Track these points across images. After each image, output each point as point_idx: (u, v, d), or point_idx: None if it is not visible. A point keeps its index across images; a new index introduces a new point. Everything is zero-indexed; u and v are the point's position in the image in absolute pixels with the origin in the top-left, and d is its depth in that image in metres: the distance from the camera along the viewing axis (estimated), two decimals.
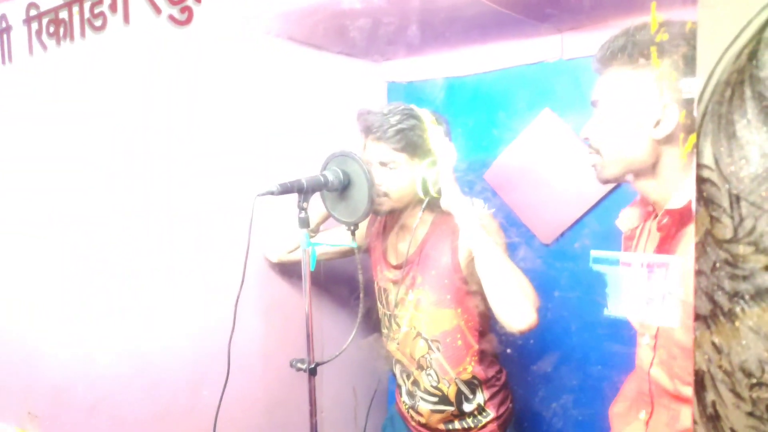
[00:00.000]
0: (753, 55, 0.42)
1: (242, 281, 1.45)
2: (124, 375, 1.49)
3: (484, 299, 1.43)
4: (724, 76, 0.43)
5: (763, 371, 0.43)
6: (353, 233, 1.59)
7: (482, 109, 2.02)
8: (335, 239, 1.76)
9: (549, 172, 1.88)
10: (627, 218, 1.19)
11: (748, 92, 0.42)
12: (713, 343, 0.45)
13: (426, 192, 1.49)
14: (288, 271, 1.79)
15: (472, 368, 1.55)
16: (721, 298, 0.45)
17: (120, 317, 1.47)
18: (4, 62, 1.21)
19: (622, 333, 1.27)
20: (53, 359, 1.39)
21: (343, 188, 1.53)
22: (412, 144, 1.48)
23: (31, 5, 1.12)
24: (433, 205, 1.52)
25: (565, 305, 1.79)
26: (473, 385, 1.56)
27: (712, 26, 0.43)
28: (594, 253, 1.16)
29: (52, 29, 1.07)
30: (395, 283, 1.62)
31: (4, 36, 1.20)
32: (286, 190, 1.44)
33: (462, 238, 1.44)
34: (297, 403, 1.51)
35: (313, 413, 1.49)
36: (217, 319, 1.55)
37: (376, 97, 2.19)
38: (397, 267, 1.63)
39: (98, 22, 0.99)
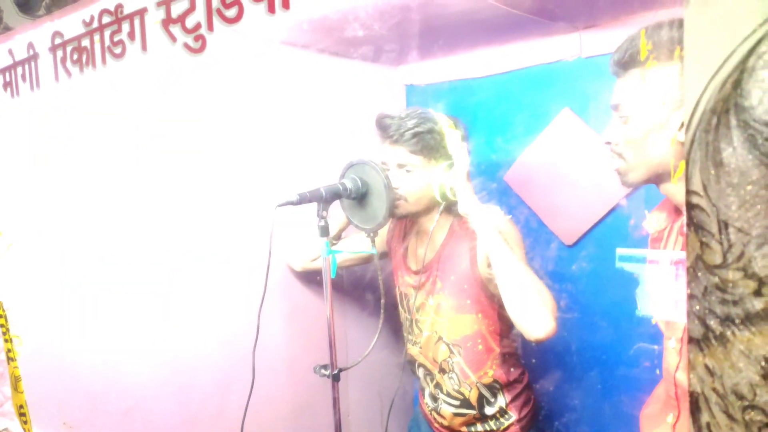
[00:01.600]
0: (737, 84, 0.42)
1: (265, 289, 1.48)
2: (154, 382, 1.54)
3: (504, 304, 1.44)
4: (710, 105, 0.43)
5: (755, 394, 0.44)
6: (373, 240, 1.61)
7: (501, 110, 2.01)
8: (355, 246, 1.78)
9: (569, 173, 1.86)
10: (655, 220, 1.17)
11: (733, 120, 0.43)
12: (706, 366, 0.46)
13: (443, 196, 1.49)
14: (310, 278, 1.82)
15: (493, 372, 1.56)
16: (713, 322, 0.46)
17: (149, 327, 1.53)
18: (33, 89, 1.26)
19: (649, 334, 1.26)
20: (87, 369, 1.45)
21: (362, 196, 1.55)
22: (428, 147, 1.49)
23: (56, 34, 1.17)
24: (451, 209, 1.53)
25: (589, 306, 1.78)
26: (494, 388, 1.56)
27: (697, 55, 0.44)
28: (620, 251, 1.15)
29: (75, 56, 1.12)
30: (416, 288, 1.64)
31: (32, 63, 1.26)
32: (305, 199, 1.47)
33: (480, 243, 1.44)
34: (322, 407, 1.54)
35: (337, 419, 1.52)
36: (242, 326, 1.59)
37: (395, 100, 2.21)
38: (417, 272, 1.64)
39: (118, 50, 1.03)
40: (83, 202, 1.45)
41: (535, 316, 1.30)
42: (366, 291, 1.94)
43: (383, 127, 1.54)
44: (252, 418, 1.50)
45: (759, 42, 0.42)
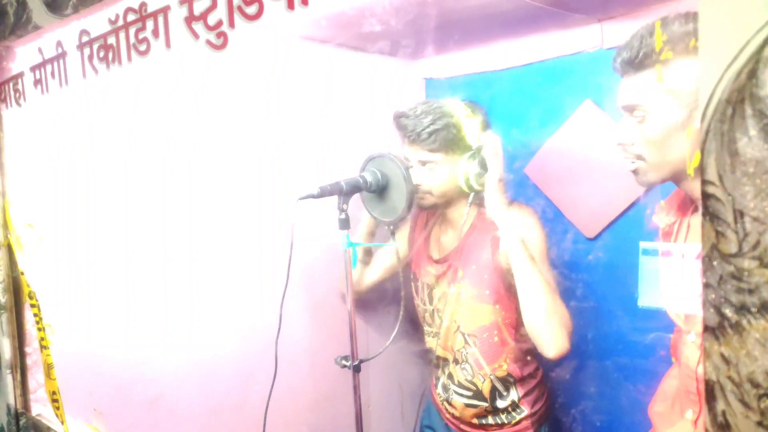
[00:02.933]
0: (752, 74, 0.42)
1: (287, 282, 1.51)
2: (179, 372, 1.58)
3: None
4: (725, 95, 0.44)
5: None
6: (393, 233, 1.62)
7: (522, 102, 2.00)
8: (376, 239, 1.80)
9: (591, 165, 1.85)
10: (664, 214, 1.17)
11: (748, 110, 0.43)
12: (722, 354, 0.46)
13: (469, 186, 1.49)
14: (331, 270, 1.84)
15: (507, 366, 1.56)
16: (728, 311, 0.46)
17: (175, 318, 1.56)
18: (61, 85, 1.30)
19: (667, 327, 1.25)
20: (115, 358, 1.49)
21: (382, 189, 1.56)
22: (447, 142, 1.49)
23: (83, 32, 1.21)
24: (477, 199, 1.54)
25: (609, 299, 1.77)
26: (508, 382, 1.57)
27: (712, 45, 0.44)
28: (643, 244, 1.14)
29: (102, 54, 1.15)
30: (438, 277, 1.65)
31: (61, 61, 1.29)
32: (325, 192, 1.49)
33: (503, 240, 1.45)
34: (344, 397, 1.57)
35: (358, 409, 1.54)
36: (264, 318, 1.62)
37: (414, 94, 2.21)
38: (440, 261, 1.65)
39: (143, 47, 1.06)
40: (112, 196, 1.49)
41: (551, 336, 1.31)
42: (387, 282, 1.95)
43: (400, 127, 1.55)
44: (274, 408, 1.53)
45: None
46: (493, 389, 1.57)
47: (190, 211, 1.57)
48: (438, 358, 1.70)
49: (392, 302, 1.82)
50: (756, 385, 0.44)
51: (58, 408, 1.58)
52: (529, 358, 1.60)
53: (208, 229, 1.61)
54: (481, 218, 1.56)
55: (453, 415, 1.65)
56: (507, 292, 1.52)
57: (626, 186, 1.75)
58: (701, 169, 0.45)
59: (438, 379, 1.71)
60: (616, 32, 1.73)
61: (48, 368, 1.60)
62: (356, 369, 1.53)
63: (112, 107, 1.42)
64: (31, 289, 1.61)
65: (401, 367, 2.09)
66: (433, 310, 1.67)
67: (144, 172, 1.49)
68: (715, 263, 0.45)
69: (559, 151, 1.90)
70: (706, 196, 0.46)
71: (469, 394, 1.59)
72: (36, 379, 1.72)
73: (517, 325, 1.56)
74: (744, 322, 0.45)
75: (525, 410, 1.57)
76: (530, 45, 1.91)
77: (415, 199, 1.54)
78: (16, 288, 1.70)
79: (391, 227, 1.61)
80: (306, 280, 1.82)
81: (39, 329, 1.61)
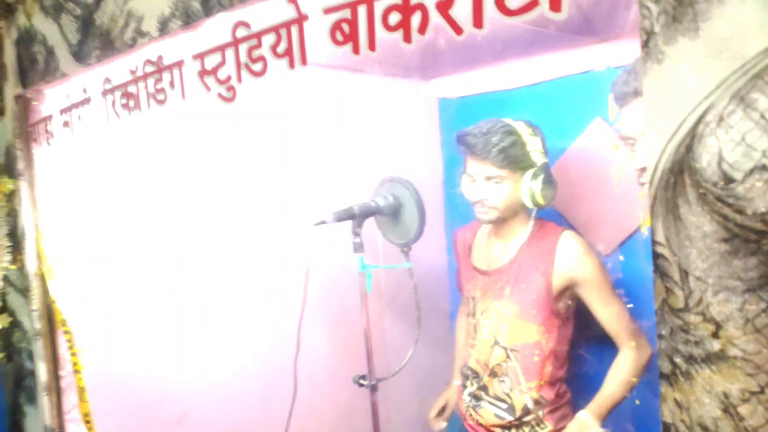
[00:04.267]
0: (689, 148, 0.47)
1: (304, 304, 1.56)
2: (203, 392, 1.65)
3: (567, 327, 1.56)
4: (668, 165, 0.48)
5: (717, 427, 0.48)
6: (407, 254, 1.65)
7: (533, 120, 2.02)
8: (391, 261, 1.83)
9: (603, 182, 1.86)
10: None
11: (687, 180, 0.47)
12: (675, 400, 0.50)
13: (534, 202, 1.52)
14: (348, 290, 1.89)
15: (542, 386, 1.57)
16: (679, 360, 0.50)
17: (198, 341, 1.63)
18: (87, 128, 1.39)
19: None
20: (142, 380, 1.57)
21: (395, 212, 1.60)
22: (514, 159, 1.51)
23: (106, 80, 1.29)
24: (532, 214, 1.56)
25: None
26: (539, 403, 1.58)
27: (655, 121, 0.48)
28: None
29: (124, 101, 1.24)
30: (484, 290, 1.66)
31: (86, 106, 1.39)
32: (339, 218, 1.54)
33: (559, 264, 1.50)
34: (363, 415, 1.61)
35: (376, 427, 1.58)
36: (283, 339, 1.68)
37: (428, 114, 2.24)
38: (488, 273, 1.66)
39: (160, 96, 1.14)
40: (137, 228, 1.58)
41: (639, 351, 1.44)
42: (406, 299, 1.99)
43: (468, 145, 1.56)
44: (295, 426, 1.58)
45: (705, 112, 0.46)
46: (525, 406, 1.58)
47: (211, 240, 1.64)
48: (469, 368, 1.71)
49: (412, 320, 1.86)
50: (705, 429, 0.48)
51: (91, 429, 1.66)
52: (561, 383, 1.61)
53: (228, 256, 1.68)
54: (537, 236, 1.58)
55: (477, 422, 1.67)
56: (553, 316, 1.54)
57: (640, 202, 1.76)
58: (652, 231, 0.49)
59: (465, 387, 1.73)
60: (624, 51, 1.74)
61: (81, 391, 1.69)
62: (373, 388, 1.57)
63: (135, 146, 1.51)
64: (63, 316, 1.70)
65: (421, 385, 2.12)
66: (475, 323, 1.69)
67: (166, 203, 1.57)
68: (666, 316, 0.49)
69: (571, 168, 1.92)
70: (656, 255, 0.50)
71: (504, 407, 1.61)
72: (70, 400, 1.81)
73: (558, 352, 1.57)
74: (692, 371, 0.49)
75: (549, 426, 1.59)
76: (540, 64, 1.94)
77: (476, 213, 1.57)
78: (50, 315, 1.80)
79: (405, 249, 1.65)
80: (323, 301, 1.87)
81: (72, 354, 1.70)
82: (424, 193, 1.60)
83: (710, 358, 0.48)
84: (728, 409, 0.48)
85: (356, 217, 1.56)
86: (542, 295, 1.53)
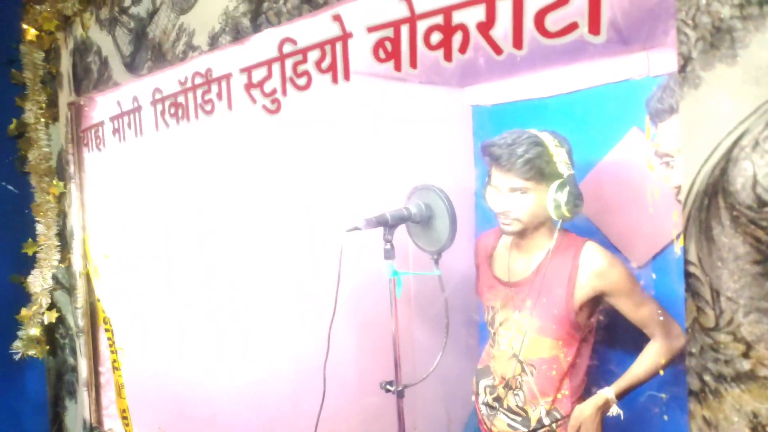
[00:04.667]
0: (724, 172, 0.48)
1: (335, 308, 1.59)
2: (234, 391, 1.70)
3: (588, 342, 1.55)
4: (702, 187, 0.49)
5: None
6: (437, 262, 1.67)
7: (568, 130, 2.00)
8: (421, 269, 1.84)
9: (638, 194, 1.85)
10: None
11: (721, 202, 0.48)
12: (704, 417, 0.51)
13: (559, 214, 1.51)
14: (378, 296, 1.91)
15: (557, 401, 1.57)
16: (708, 378, 0.51)
17: (231, 342, 1.68)
18: (137, 135, 1.46)
19: None
20: (177, 379, 1.62)
21: (426, 219, 1.62)
22: (539, 171, 1.50)
23: (156, 90, 1.35)
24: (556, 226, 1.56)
25: None
26: (554, 417, 1.58)
27: (691, 144, 0.50)
28: None
29: (172, 111, 1.29)
30: (505, 301, 1.66)
31: (137, 114, 1.45)
32: (371, 224, 1.56)
33: (582, 275, 1.50)
34: (390, 419, 1.63)
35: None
36: (313, 342, 1.71)
37: (462, 121, 2.25)
38: (508, 284, 1.66)
39: (208, 107, 1.19)
40: (178, 233, 1.64)
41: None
42: (434, 305, 2.01)
43: (493, 156, 1.56)
44: (323, 428, 1.61)
45: (740, 137, 0.47)
46: (540, 419, 1.59)
47: (246, 245, 1.69)
48: (485, 377, 1.72)
49: (440, 326, 1.87)
50: None
51: (127, 425, 1.72)
52: (579, 398, 1.61)
53: (262, 260, 1.72)
54: (560, 249, 1.57)
55: (490, 429, 1.68)
56: (573, 330, 1.54)
57: (674, 221, 1.74)
58: (684, 251, 0.50)
59: (479, 395, 1.73)
60: (663, 60, 1.73)
61: (119, 388, 1.75)
62: (400, 395, 1.58)
63: (179, 154, 1.56)
64: (105, 314, 1.77)
65: (448, 392, 2.13)
66: (494, 333, 1.69)
67: (206, 209, 1.63)
68: (696, 335, 0.51)
69: (606, 178, 1.90)
70: (687, 275, 0.51)
71: (518, 419, 1.61)
72: (108, 396, 1.87)
73: (576, 366, 1.57)
74: (722, 389, 0.50)
75: None
76: (577, 72, 1.93)
77: (500, 224, 1.58)
78: (92, 313, 1.87)
79: (435, 256, 1.66)
80: (353, 305, 1.89)
81: (112, 351, 1.76)
82: (456, 201, 1.60)
83: (740, 378, 0.49)
84: (757, 428, 0.49)
85: (388, 224, 1.58)
86: (563, 309, 1.52)
